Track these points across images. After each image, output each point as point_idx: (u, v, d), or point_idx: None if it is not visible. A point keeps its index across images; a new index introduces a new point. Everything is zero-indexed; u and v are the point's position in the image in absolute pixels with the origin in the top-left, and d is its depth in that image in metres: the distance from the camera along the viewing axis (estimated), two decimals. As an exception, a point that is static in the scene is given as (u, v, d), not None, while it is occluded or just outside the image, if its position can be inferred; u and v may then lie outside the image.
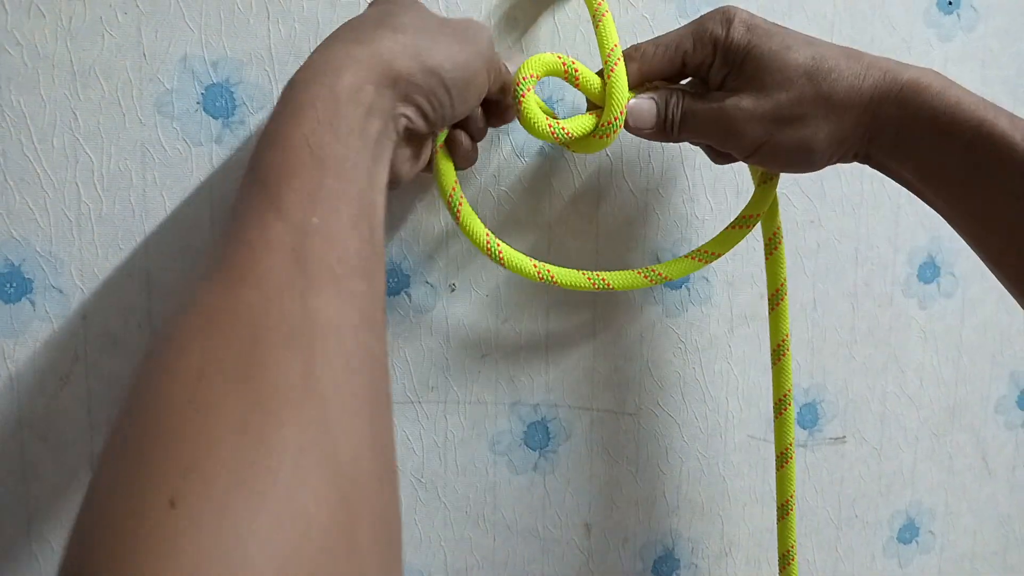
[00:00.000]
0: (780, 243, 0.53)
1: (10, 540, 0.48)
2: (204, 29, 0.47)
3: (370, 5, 0.44)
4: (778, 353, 0.54)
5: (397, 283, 0.52)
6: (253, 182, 0.34)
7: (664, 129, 0.47)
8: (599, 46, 0.47)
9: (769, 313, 0.54)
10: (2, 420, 0.47)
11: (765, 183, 0.51)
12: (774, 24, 0.46)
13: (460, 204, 0.47)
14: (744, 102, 0.45)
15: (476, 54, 0.42)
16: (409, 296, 0.53)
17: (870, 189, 0.61)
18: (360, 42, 0.38)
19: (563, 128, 0.46)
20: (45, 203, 0.47)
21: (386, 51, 0.38)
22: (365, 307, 0.33)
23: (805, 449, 0.62)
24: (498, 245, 0.48)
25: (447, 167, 0.47)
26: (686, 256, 0.52)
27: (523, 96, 0.45)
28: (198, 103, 0.48)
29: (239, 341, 0.28)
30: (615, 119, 0.46)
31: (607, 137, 0.47)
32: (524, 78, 0.45)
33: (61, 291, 0.47)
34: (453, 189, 0.47)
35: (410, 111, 0.39)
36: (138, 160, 0.48)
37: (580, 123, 0.47)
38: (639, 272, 0.51)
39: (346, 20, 0.42)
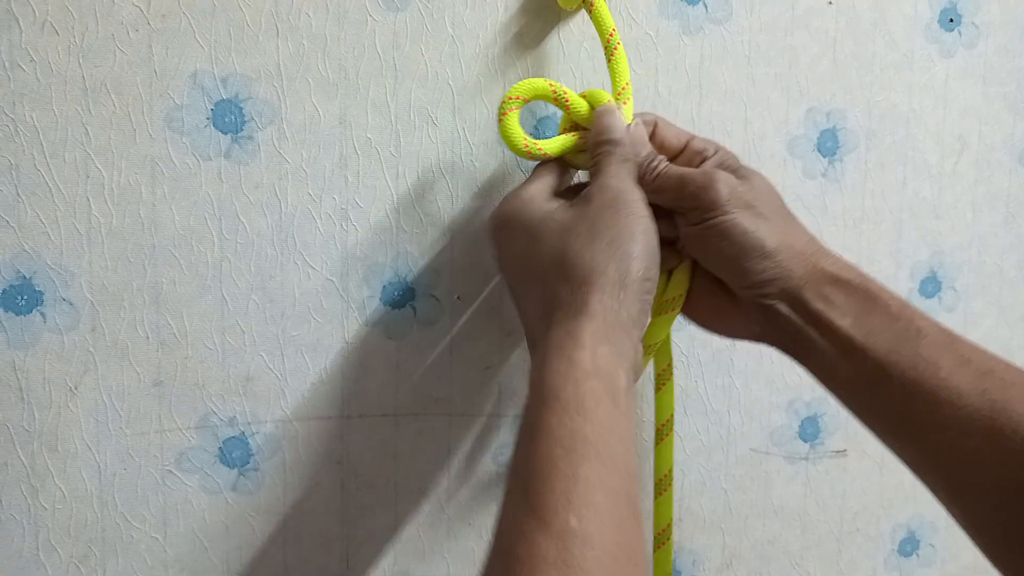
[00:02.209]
0: (670, 378, 0.54)
1: (18, 549, 0.49)
2: (214, 46, 0.48)
3: (516, 254, 0.46)
4: (662, 486, 0.55)
5: (402, 296, 0.53)
6: (516, 483, 0.37)
7: (646, 169, 0.49)
8: (612, 82, 0.50)
9: (655, 445, 0.55)
10: (12, 430, 0.48)
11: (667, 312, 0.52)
12: None
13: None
14: (727, 174, 0.48)
15: (640, 225, 0.44)
16: (415, 310, 0.53)
17: (871, 204, 0.61)
18: (577, 315, 0.41)
19: (538, 147, 0.48)
20: (56, 217, 0.47)
21: (599, 308, 0.41)
22: None
23: (807, 462, 0.63)
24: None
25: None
26: None
27: (505, 114, 0.47)
28: (208, 119, 0.49)
29: None
30: None
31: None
32: (510, 99, 0.47)
33: (71, 304, 0.48)
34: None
35: (641, 328, 0.43)
36: (148, 175, 0.48)
37: (558, 143, 0.49)
38: None
39: (491, 216, 0.47)
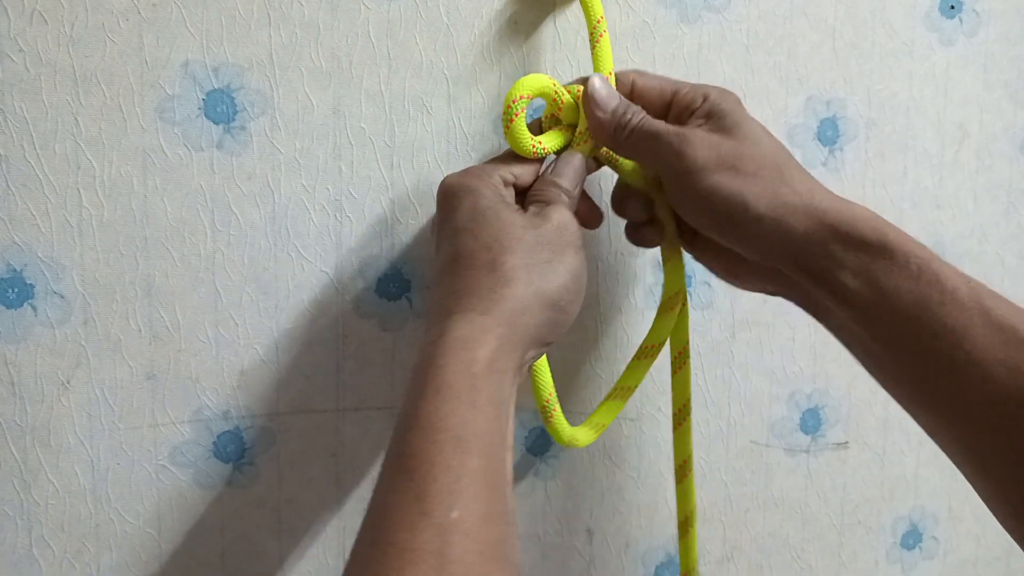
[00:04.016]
0: (687, 361, 0.54)
1: (11, 545, 0.48)
2: (205, 35, 0.48)
3: (452, 226, 0.44)
4: (683, 470, 0.54)
5: (398, 288, 0.52)
6: (399, 470, 0.36)
7: (617, 125, 0.46)
8: (595, 70, 0.49)
9: (673, 431, 0.54)
10: (4, 425, 0.48)
11: (669, 310, 0.52)
12: None
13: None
14: (709, 135, 0.45)
15: (578, 261, 0.44)
16: (410, 301, 0.53)
17: (872, 194, 0.61)
18: (487, 312, 0.40)
19: (542, 146, 0.47)
20: (47, 208, 0.47)
21: (511, 313, 0.40)
22: None
23: (808, 455, 0.62)
24: None
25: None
26: (609, 399, 0.53)
27: (514, 117, 0.46)
28: (199, 109, 0.48)
29: None
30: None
31: (584, 144, 0.48)
32: (516, 99, 0.46)
33: (63, 296, 0.48)
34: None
35: (540, 349, 0.42)
36: (139, 166, 0.48)
37: (555, 142, 0.48)
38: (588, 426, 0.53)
39: (434, 215, 0.45)
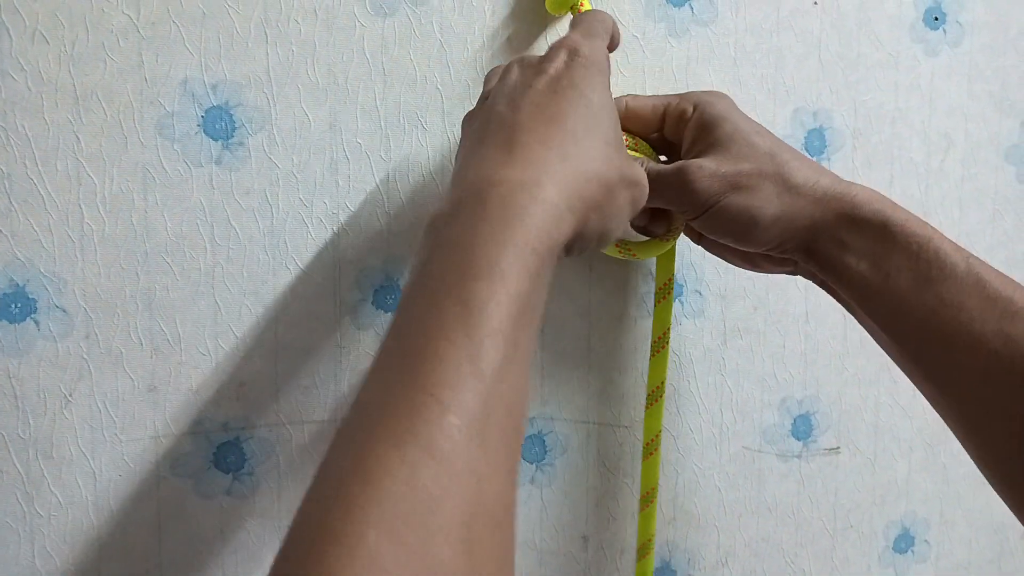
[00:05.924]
0: (666, 345, 0.56)
1: (14, 557, 0.49)
2: (204, 53, 0.48)
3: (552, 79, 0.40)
4: (651, 447, 0.57)
5: (395, 300, 0.53)
6: (460, 318, 0.32)
7: None
8: None
9: (645, 410, 0.56)
10: (7, 438, 0.48)
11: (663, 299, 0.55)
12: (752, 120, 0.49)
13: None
14: (707, 162, 0.46)
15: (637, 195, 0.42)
16: (406, 312, 0.53)
17: (860, 202, 0.62)
18: (571, 197, 0.37)
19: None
20: (49, 224, 0.47)
21: (586, 203, 0.37)
22: (514, 472, 0.32)
23: (800, 460, 0.63)
24: None
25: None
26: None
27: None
28: (198, 125, 0.49)
29: (415, 531, 0.28)
30: None
31: None
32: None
33: (65, 311, 0.48)
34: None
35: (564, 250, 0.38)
36: (140, 182, 0.48)
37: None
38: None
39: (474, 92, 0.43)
